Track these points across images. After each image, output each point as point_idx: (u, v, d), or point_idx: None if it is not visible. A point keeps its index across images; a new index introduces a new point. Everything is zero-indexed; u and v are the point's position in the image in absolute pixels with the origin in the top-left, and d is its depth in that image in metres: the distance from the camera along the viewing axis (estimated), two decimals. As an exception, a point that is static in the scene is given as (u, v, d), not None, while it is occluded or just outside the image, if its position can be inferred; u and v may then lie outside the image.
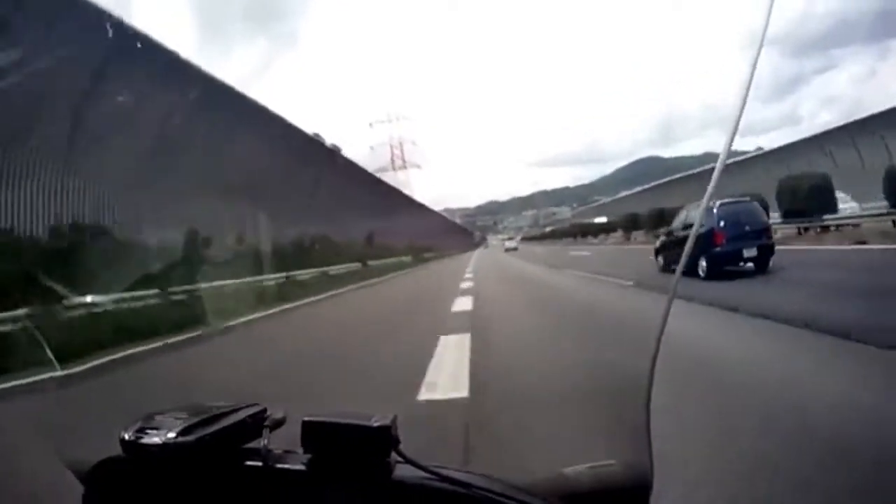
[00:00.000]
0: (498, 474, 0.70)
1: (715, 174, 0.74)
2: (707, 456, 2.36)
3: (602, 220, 52.12)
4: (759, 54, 0.69)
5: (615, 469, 0.77)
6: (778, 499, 1.98)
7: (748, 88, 0.69)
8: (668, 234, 12.29)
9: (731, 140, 0.72)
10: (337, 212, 27.22)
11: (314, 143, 26.63)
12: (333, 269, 22.01)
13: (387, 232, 36.31)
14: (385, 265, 29.38)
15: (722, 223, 9.45)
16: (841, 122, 23.85)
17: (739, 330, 5.31)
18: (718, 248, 9.38)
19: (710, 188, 0.79)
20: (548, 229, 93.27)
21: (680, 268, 0.79)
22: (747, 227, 9.55)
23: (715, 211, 9.57)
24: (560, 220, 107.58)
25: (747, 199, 10.87)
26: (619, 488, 0.73)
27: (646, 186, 47.27)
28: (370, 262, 27.73)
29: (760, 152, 30.42)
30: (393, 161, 67.72)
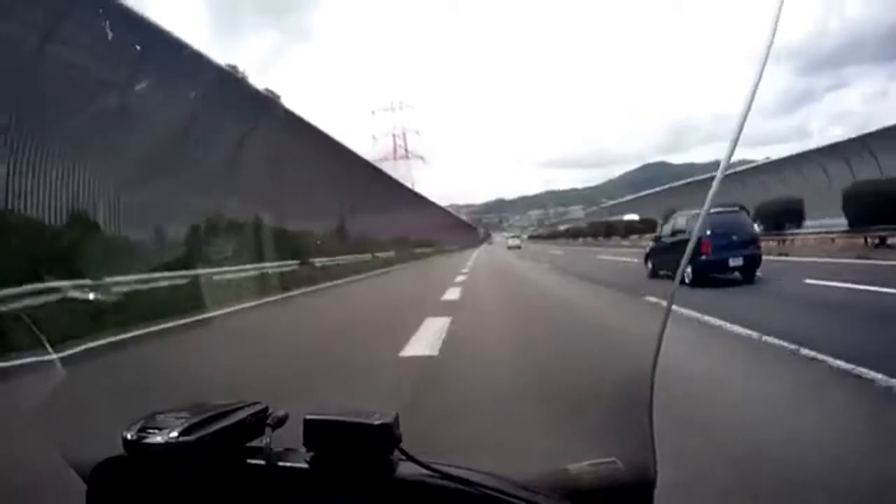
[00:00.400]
0: (500, 471, 0.70)
1: (714, 184, 0.75)
2: (711, 455, 2.39)
3: (632, 217, 44.07)
4: (763, 69, 0.69)
5: (618, 467, 0.76)
6: (781, 497, 2.03)
7: (751, 102, 0.70)
8: (657, 239, 12.40)
9: (732, 151, 0.73)
10: (280, 189, 19.39)
11: (236, 83, 17.24)
12: (238, 271, 13.59)
13: (369, 223, 30.34)
14: (343, 266, 21.05)
15: (708, 232, 9.43)
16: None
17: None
18: (704, 257, 9.41)
19: (709, 197, 0.80)
20: (562, 227, 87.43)
21: (678, 275, 0.83)
22: (734, 237, 9.66)
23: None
24: (573, 220, 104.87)
25: (736, 208, 10.94)
26: (622, 486, 0.73)
27: (684, 181, 41.94)
28: (319, 261, 19.45)
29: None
30: (395, 150, 65.50)
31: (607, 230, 45.57)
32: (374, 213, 31.74)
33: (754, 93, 0.69)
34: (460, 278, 15.77)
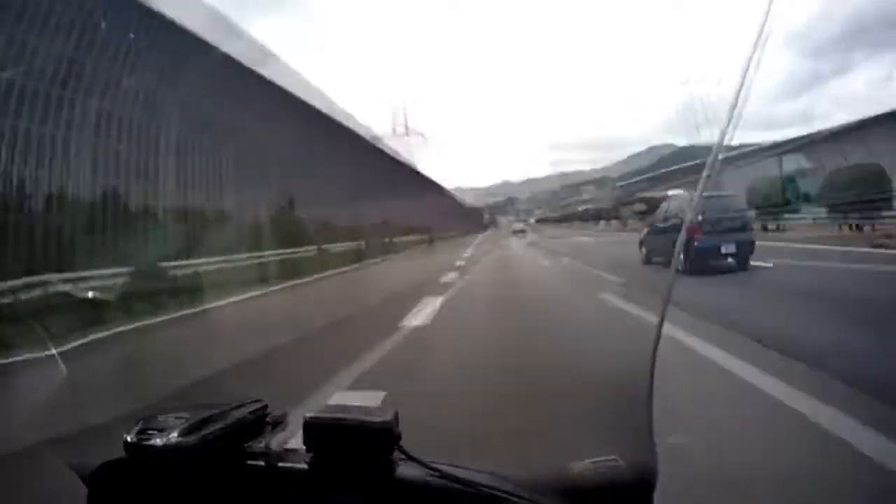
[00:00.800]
0: (500, 469, 0.70)
1: (705, 171, 0.78)
2: (711, 453, 2.39)
3: (678, 192, 31.52)
4: (754, 53, 0.70)
5: (619, 465, 0.74)
6: (783, 497, 2.02)
7: (742, 85, 0.71)
8: (650, 224, 12.10)
9: (725, 135, 0.73)
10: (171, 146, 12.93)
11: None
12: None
13: (340, 203, 23.07)
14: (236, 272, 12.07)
15: (699, 217, 9.06)
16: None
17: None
18: (695, 243, 8.99)
19: (701, 183, 0.82)
20: (581, 208, 76.90)
21: (674, 265, 0.91)
22: (726, 222, 9.37)
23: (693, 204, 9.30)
24: (590, 200, 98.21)
25: (728, 193, 10.78)
26: (622, 484, 0.71)
27: (711, 157, 35.98)
28: (183, 265, 11.33)
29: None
30: (394, 128, 61.07)
31: (644, 210, 28.52)
32: (347, 192, 24.65)
33: (744, 77, 0.69)
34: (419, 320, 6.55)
